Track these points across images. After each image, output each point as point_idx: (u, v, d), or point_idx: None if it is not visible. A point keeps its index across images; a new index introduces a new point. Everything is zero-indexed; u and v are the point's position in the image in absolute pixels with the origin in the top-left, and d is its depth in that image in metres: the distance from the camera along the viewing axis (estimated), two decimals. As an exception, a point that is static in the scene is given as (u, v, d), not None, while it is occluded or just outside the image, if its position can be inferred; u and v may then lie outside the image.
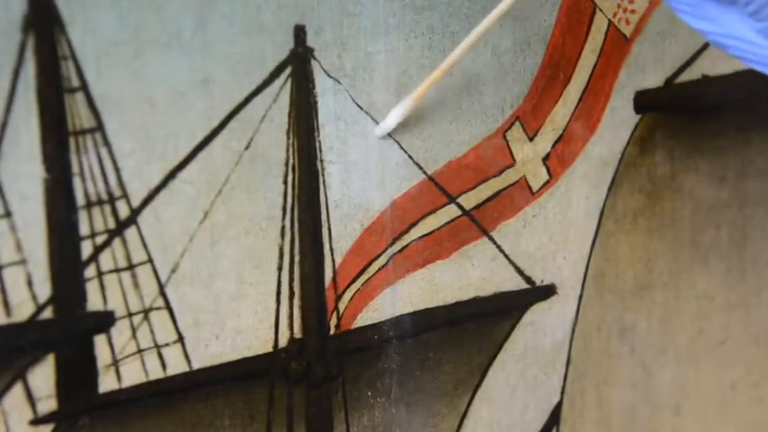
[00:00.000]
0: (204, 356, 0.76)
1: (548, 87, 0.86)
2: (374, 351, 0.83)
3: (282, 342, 0.78)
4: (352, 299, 0.81)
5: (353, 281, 0.81)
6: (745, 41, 0.66)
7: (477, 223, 0.86)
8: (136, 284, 0.72)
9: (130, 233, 0.72)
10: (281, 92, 0.75)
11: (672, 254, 0.97)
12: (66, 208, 0.69)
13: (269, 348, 0.78)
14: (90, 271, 0.71)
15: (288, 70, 0.75)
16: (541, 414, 0.93)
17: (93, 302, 0.71)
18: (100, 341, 0.72)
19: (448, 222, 0.84)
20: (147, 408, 0.74)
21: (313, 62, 0.76)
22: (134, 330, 0.73)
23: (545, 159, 0.88)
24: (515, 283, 0.89)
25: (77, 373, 0.71)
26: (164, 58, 0.70)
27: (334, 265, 0.80)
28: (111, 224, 0.71)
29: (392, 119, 0.79)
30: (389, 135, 0.80)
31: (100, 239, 0.71)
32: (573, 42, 0.86)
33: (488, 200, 0.86)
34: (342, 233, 0.80)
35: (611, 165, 0.92)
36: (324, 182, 0.78)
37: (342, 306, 0.81)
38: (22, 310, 0.69)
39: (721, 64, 0.94)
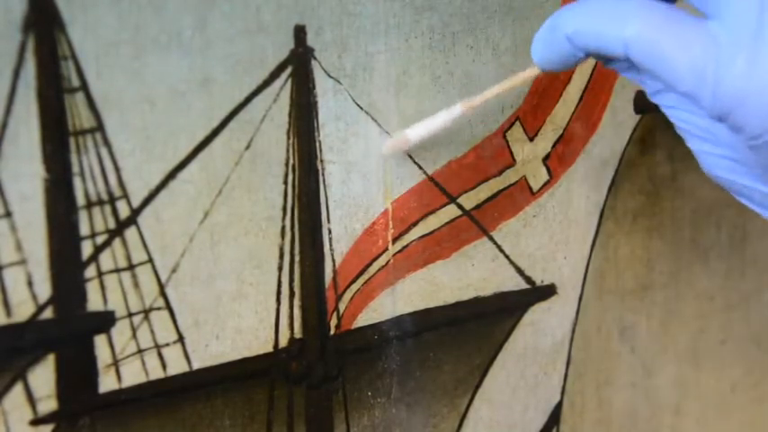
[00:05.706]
0: (204, 356, 0.76)
1: (548, 87, 0.86)
2: (374, 351, 0.83)
3: (283, 342, 0.78)
4: (352, 299, 0.81)
5: (353, 281, 0.81)
6: None
7: (478, 223, 0.86)
8: (136, 284, 0.72)
9: (130, 233, 0.72)
10: (282, 92, 0.75)
11: (672, 254, 0.97)
12: (67, 208, 0.69)
13: (269, 348, 0.78)
14: (90, 271, 0.71)
15: (288, 70, 0.75)
16: (541, 414, 0.93)
17: (94, 302, 0.71)
18: (100, 341, 0.72)
19: (448, 222, 0.84)
20: (147, 408, 0.74)
21: (313, 62, 0.76)
22: (134, 330, 0.73)
23: (545, 159, 0.88)
24: (515, 283, 0.89)
25: (78, 374, 0.71)
26: (164, 58, 0.70)
27: (334, 265, 0.80)
28: (112, 224, 0.71)
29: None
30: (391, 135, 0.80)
31: (100, 239, 0.71)
32: (573, 42, 0.86)
33: (488, 200, 0.86)
34: (342, 233, 0.80)
35: (611, 165, 0.92)
36: (324, 182, 0.78)
37: (342, 306, 0.81)
38: (22, 310, 0.69)
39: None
